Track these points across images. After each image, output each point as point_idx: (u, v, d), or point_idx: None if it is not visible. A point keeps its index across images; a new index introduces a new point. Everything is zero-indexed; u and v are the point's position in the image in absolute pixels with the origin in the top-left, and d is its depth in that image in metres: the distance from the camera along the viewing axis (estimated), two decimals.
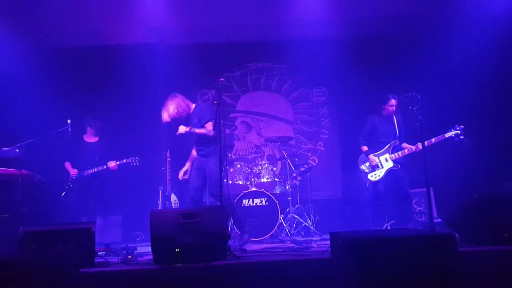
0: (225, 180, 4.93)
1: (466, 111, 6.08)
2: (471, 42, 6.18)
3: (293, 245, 4.54)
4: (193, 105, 4.88)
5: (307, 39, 6.96)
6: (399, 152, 5.22)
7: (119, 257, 3.67)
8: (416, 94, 4.75)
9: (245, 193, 5.69)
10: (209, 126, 4.61)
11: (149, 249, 3.40)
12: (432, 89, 6.02)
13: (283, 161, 6.60)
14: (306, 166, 6.75)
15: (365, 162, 5.39)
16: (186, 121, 4.80)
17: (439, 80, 6.32)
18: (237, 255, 3.50)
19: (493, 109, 6.36)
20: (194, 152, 5.01)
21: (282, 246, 4.47)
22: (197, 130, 4.64)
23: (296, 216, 5.95)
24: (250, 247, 4.50)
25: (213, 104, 4.31)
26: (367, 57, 6.95)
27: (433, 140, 4.96)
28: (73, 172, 5.66)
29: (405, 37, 6.89)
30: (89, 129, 5.89)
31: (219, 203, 4.71)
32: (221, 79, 4.44)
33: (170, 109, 4.69)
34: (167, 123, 4.78)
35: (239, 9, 6.35)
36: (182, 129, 4.69)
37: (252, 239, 5.17)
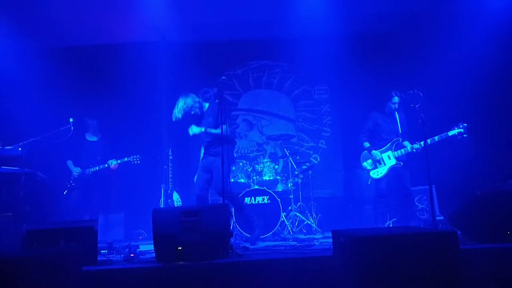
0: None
1: (469, 108, 6.06)
2: (473, 39, 6.15)
3: (295, 243, 4.55)
4: (207, 104, 4.91)
5: (309, 36, 6.93)
6: (402, 150, 5.22)
7: (122, 255, 3.67)
8: (418, 91, 4.74)
9: (247, 191, 5.69)
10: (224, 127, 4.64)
11: (151, 247, 3.41)
12: (434, 87, 6.00)
13: (285, 159, 6.60)
14: (308, 164, 6.75)
15: (368, 159, 5.39)
16: (199, 120, 4.83)
17: (441, 77, 6.30)
18: (239, 253, 3.51)
19: (496, 106, 6.34)
20: None
21: (284, 244, 4.47)
22: (213, 131, 4.66)
23: (298, 214, 5.95)
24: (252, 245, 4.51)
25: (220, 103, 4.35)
26: (368, 55, 6.93)
27: (436, 138, 4.95)
28: (76, 170, 5.67)
29: (407, 35, 6.86)
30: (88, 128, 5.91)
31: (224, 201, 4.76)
32: (223, 77, 4.44)
33: (179, 105, 4.75)
34: (178, 120, 4.78)
35: (240, 7, 6.34)
36: (195, 129, 4.70)
37: None
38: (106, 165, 5.67)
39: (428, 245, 2.61)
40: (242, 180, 5.96)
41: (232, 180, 5.84)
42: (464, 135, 4.91)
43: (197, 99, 4.90)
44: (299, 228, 5.92)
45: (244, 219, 4.90)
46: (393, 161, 5.23)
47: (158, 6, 6.01)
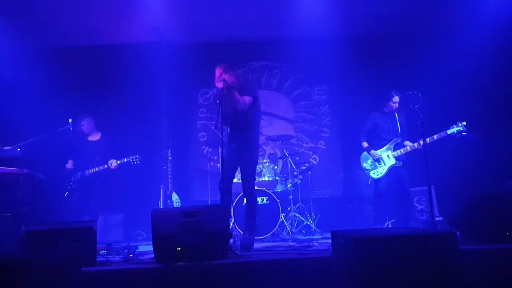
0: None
1: (468, 108, 6.06)
2: (472, 39, 6.16)
3: (295, 243, 4.54)
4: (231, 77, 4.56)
5: (308, 37, 6.95)
6: (401, 150, 5.22)
7: (121, 256, 3.67)
8: (417, 92, 4.75)
9: None
10: (247, 99, 4.25)
11: (150, 248, 3.40)
12: (433, 87, 6.01)
13: (284, 159, 6.60)
14: (307, 164, 6.75)
15: (367, 160, 5.39)
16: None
17: (440, 77, 6.30)
18: (238, 253, 3.51)
19: (495, 106, 6.34)
20: None
21: (284, 245, 4.47)
22: (234, 93, 4.24)
23: (297, 215, 5.95)
24: None
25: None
26: (368, 55, 6.94)
27: (435, 137, 4.94)
28: (69, 165, 5.65)
29: (406, 35, 6.87)
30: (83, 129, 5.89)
31: (253, 202, 4.39)
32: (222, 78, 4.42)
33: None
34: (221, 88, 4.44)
35: (240, 7, 6.35)
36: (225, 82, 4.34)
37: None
38: (106, 166, 5.66)
39: (427, 246, 2.61)
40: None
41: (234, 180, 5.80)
42: (464, 133, 4.90)
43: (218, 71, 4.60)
44: (298, 228, 5.92)
45: (252, 227, 4.39)
46: (392, 161, 5.23)
47: (157, 6, 6.00)
